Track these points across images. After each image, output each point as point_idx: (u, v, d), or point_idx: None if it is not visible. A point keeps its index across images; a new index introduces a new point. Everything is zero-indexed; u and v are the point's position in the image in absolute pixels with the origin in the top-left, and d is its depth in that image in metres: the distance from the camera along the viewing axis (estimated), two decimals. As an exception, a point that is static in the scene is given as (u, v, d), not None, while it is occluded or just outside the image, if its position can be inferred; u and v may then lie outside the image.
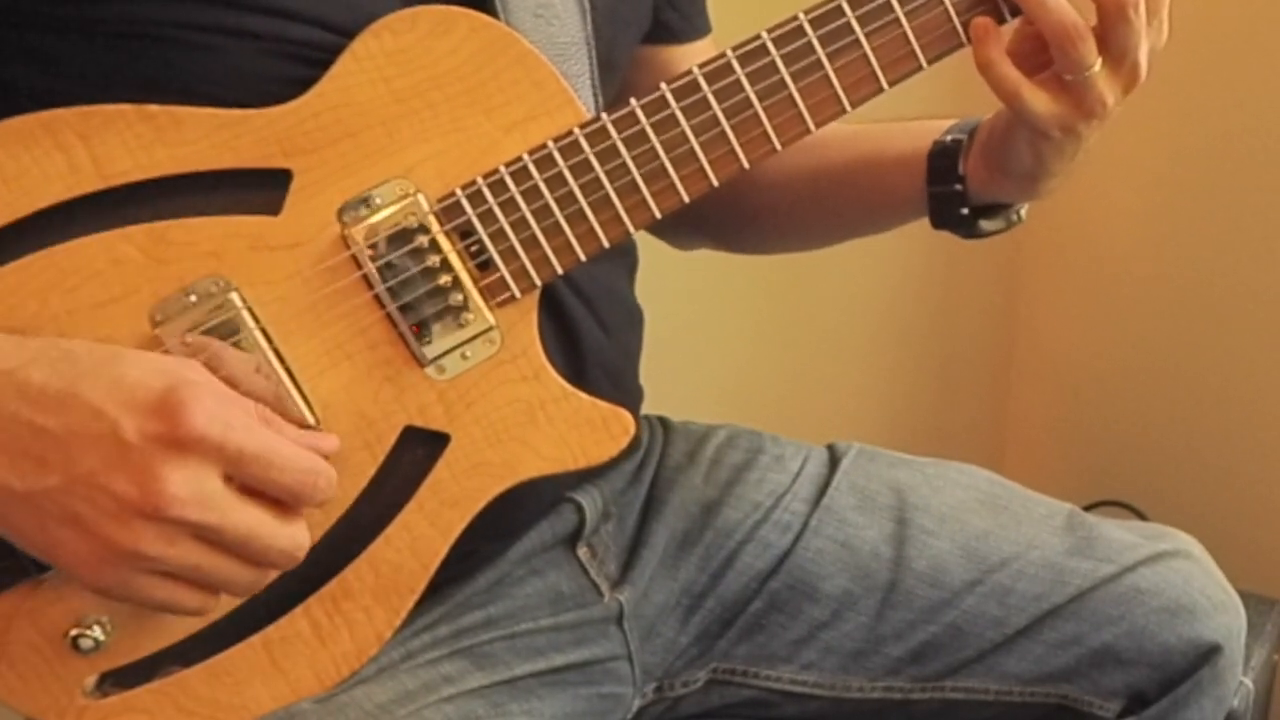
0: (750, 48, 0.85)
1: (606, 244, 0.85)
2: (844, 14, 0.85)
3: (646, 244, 1.08)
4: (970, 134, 0.99)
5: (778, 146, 0.86)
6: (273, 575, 0.77)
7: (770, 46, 0.85)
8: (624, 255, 1.04)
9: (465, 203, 0.83)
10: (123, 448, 0.70)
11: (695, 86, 0.84)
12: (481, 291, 0.84)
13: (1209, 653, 1.04)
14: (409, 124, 0.82)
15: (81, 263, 0.78)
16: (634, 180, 0.85)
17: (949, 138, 1.00)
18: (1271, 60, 1.77)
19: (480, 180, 0.83)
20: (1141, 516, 1.91)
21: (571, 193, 0.84)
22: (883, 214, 1.08)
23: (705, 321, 1.77)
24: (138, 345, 0.78)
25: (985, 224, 1.01)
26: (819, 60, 0.85)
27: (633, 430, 0.88)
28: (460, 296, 0.83)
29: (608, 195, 0.84)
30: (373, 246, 0.82)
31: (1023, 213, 1.02)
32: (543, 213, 0.84)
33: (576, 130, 0.84)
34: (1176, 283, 1.95)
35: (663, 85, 0.84)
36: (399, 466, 0.84)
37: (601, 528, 1.04)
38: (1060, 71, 0.87)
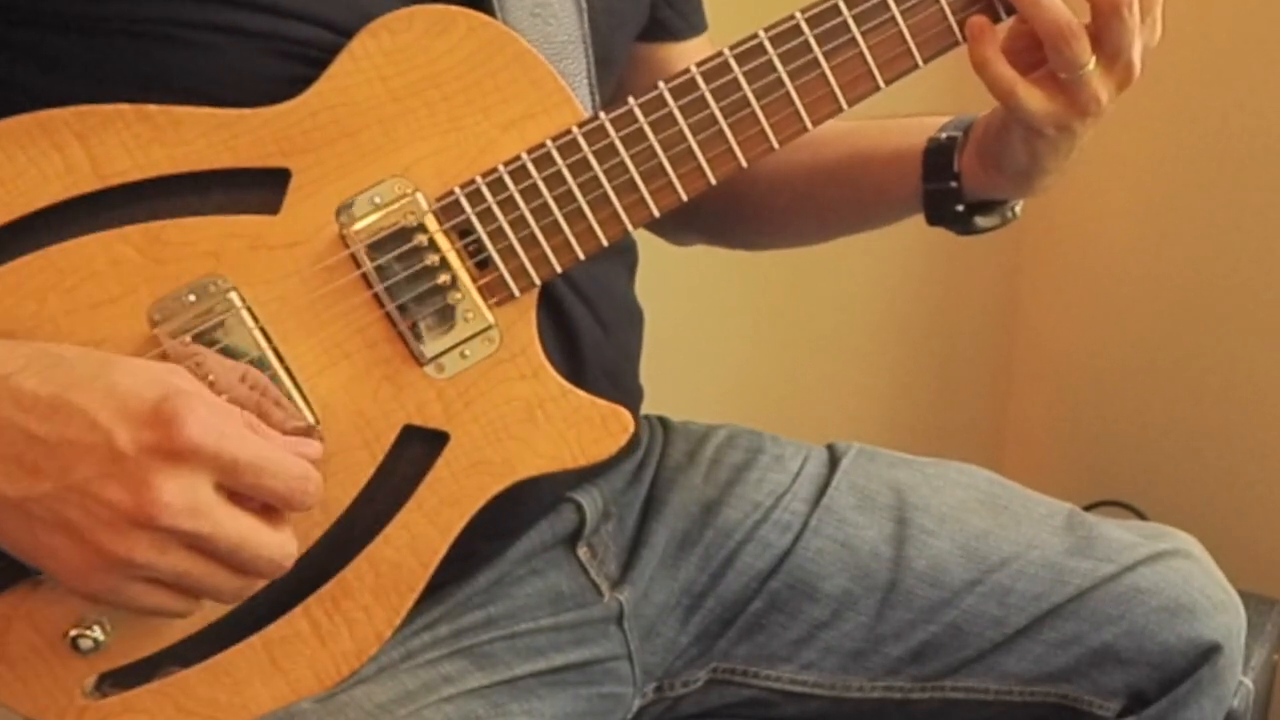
0: (747, 46, 0.85)
1: (605, 242, 0.85)
2: (840, 13, 0.85)
3: (646, 244, 1.08)
4: (965, 131, 0.99)
5: (775, 145, 0.86)
6: (260, 584, 0.77)
7: (767, 45, 0.85)
8: (624, 254, 1.04)
9: (464, 201, 0.83)
10: (117, 457, 0.70)
11: (693, 85, 0.85)
12: (480, 290, 0.84)
13: (1209, 652, 1.04)
14: (407, 123, 0.82)
15: (79, 263, 0.78)
16: (632, 179, 0.85)
17: (944, 135, 1.00)
18: (1268, 58, 1.77)
19: (479, 179, 0.83)
20: (1141, 516, 1.90)
21: (570, 191, 0.84)
22: (878, 210, 1.08)
23: (705, 321, 1.77)
24: (136, 345, 0.79)
25: (981, 220, 1.02)
26: (816, 59, 0.86)
27: (631, 428, 0.88)
28: (458, 295, 0.83)
29: (606, 194, 0.85)
30: (371, 246, 0.82)
31: (1018, 209, 1.03)
32: (541, 211, 0.84)
33: (575, 129, 0.84)
34: (1176, 282, 1.95)
35: (660, 84, 0.85)
36: (398, 465, 0.84)
37: (601, 527, 1.04)
38: (1055, 70, 0.87)
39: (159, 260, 0.79)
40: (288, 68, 0.81)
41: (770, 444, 1.12)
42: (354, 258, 0.82)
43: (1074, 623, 1.04)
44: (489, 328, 0.84)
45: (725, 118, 0.85)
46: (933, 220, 1.03)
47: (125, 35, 0.79)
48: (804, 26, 0.85)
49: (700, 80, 0.85)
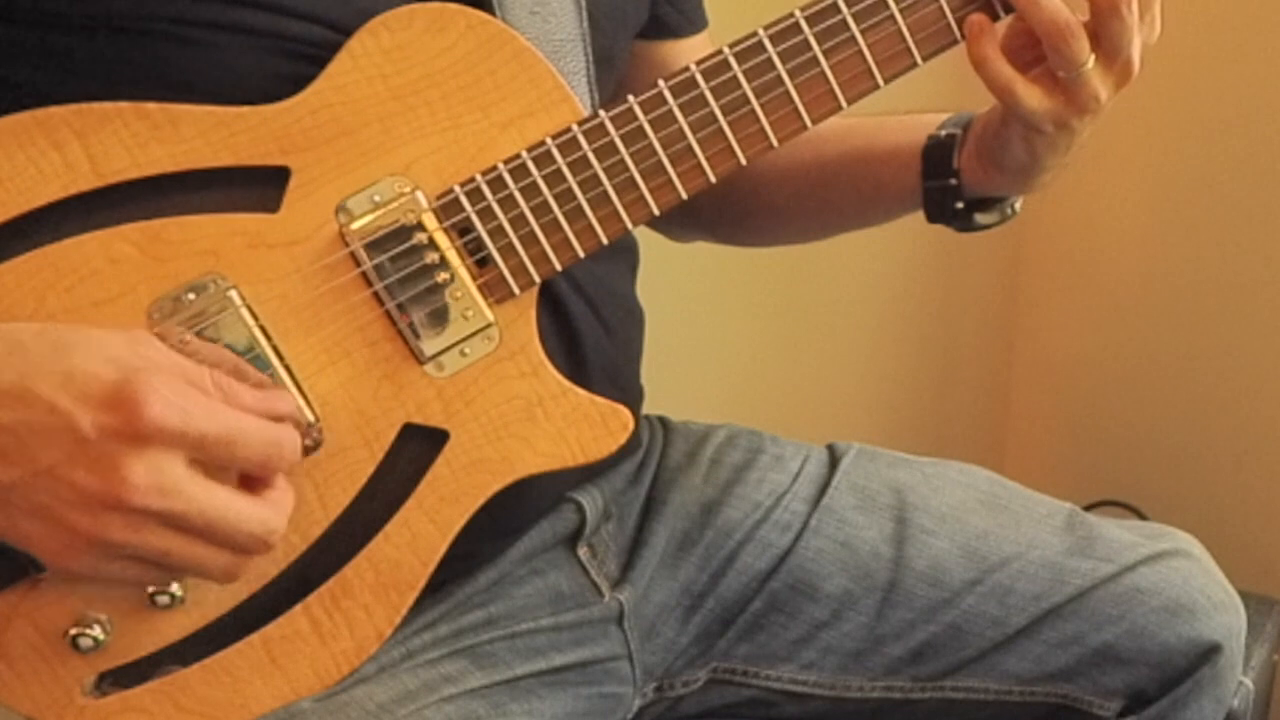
0: (747, 45, 0.85)
1: (605, 240, 0.85)
2: (840, 11, 0.85)
3: (647, 243, 1.08)
4: (965, 128, 1.00)
5: (775, 143, 0.86)
6: (251, 562, 0.77)
7: (767, 44, 0.85)
8: (625, 254, 1.04)
9: (463, 199, 0.83)
10: (80, 442, 0.70)
11: (693, 83, 0.85)
12: (480, 288, 0.84)
13: (1209, 652, 1.04)
14: (406, 121, 0.82)
15: (78, 261, 0.78)
16: (632, 177, 0.85)
17: (943, 132, 1.00)
18: (1268, 57, 1.77)
19: (478, 177, 0.83)
20: (1141, 516, 1.90)
21: (570, 189, 0.84)
22: (877, 207, 1.08)
23: (706, 321, 1.77)
24: None
25: (980, 217, 1.02)
26: (815, 57, 0.86)
27: (631, 426, 0.88)
28: (458, 293, 0.83)
29: (606, 192, 0.85)
30: (370, 244, 0.82)
31: (1017, 206, 1.03)
32: (541, 209, 0.84)
33: (575, 127, 0.84)
34: (1176, 282, 1.95)
35: (660, 82, 0.85)
36: (398, 463, 0.84)
37: (602, 528, 1.04)
38: (1053, 68, 0.87)
39: (158, 259, 0.79)
40: (287, 66, 0.81)
41: (770, 444, 1.12)
42: (353, 256, 0.82)
43: (1074, 623, 1.04)
44: (488, 326, 0.84)
45: (725, 116, 0.85)
46: (932, 218, 1.03)
47: (125, 33, 0.79)
48: (803, 25, 0.85)
49: (700, 78, 0.85)
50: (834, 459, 1.11)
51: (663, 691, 1.07)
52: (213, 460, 0.73)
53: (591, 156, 0.84)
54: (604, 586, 1.02)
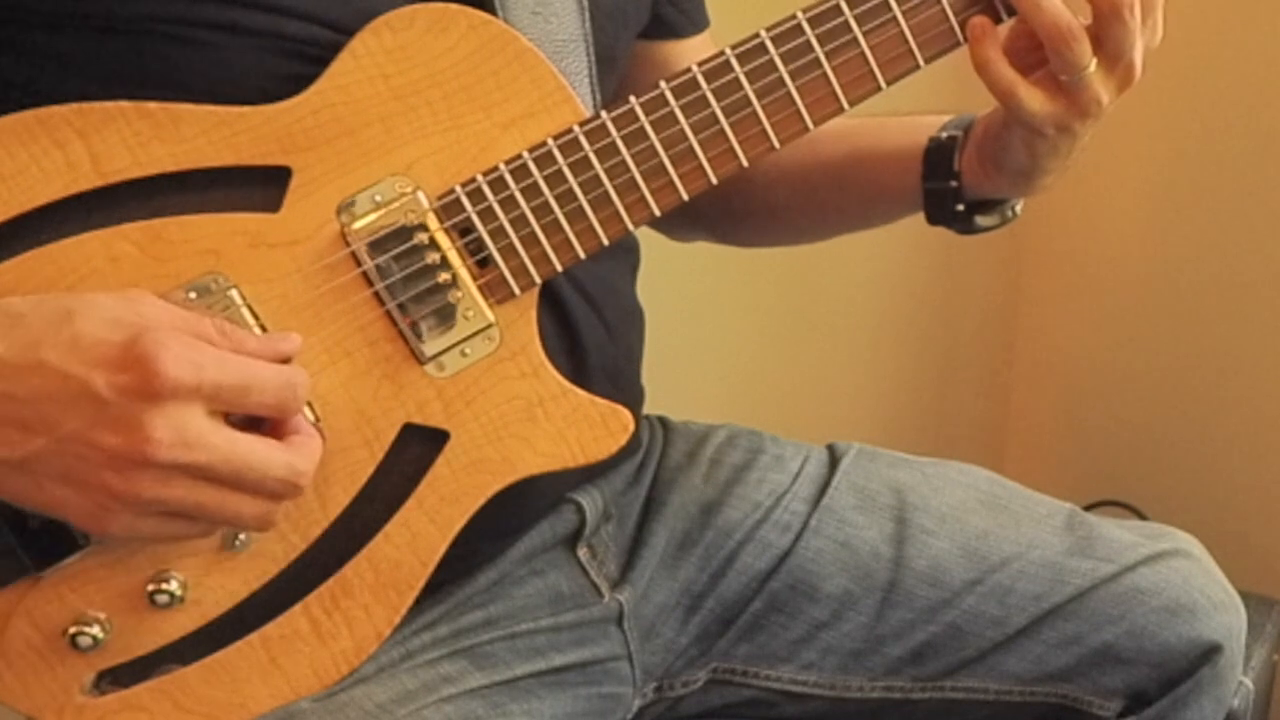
0: (749, 46, 0.85)
1: (606, 241, 0.85)
2: (842, 13, 0.85)
3: (647, 244, 1.08)
4: (966, 130, 0.99)
5: (776, 144, 0.86)
6: (281, 508, 0.77)
7: (769, 45, 0.85)
8: (627, 255, 1.04)
9: (465, 200, 0.83)
10: (99, 403, 0.70)
11: (694, 84, 0.85)
12: (480, 289, 0.84)
13: (1209, 652, 1.04)
14: (407, 121, 0.82)
15: (79, 260, 0.78)
16: (633, 178, 0.85)
17: (944, 134, 1.00)
18: (1268, 59, 1.77)
19: (479, 177, 0.83)
20: (1141, 516, 1.90)
21: (571, 190, 0.84)
22: (878, 208, 1.08)
23: (705, 322, 1.77)
24: None
25: (981, 219, 1.02)
26: (817, 59, 0.86)
27: (632, 427, 0.88)
28: (459, 294, 0.83)
29: (607, 193, 0.84)
30: (371, 244, 0.82)
31: (1018, 208, 1.03)
32: (542, 210, 0.84)
33: (576, 128, 0.84)
34: (1177, 282, 1.95)
35: (662, 83, 0.85)
36: (398, 463, 0.84)
37: (602, 528, 1.04)
38: (1055, 71, 0.87)
39: (159, 258, 0.79)
40: (289, 66, 0.81)
41: (770, 444, 1.12)
42: (354, 256, 0.82)
43: (1074, 623, 1.04)
44: (489, 326, 0.84)
45: (726, 117, 0.85)
46: (933, 219, 1.03)
47: (125, 34, 0.79)
48: (805, 26, 0.85)
49: (701, 79, 0.85)
50: (834, 459, 1.11)
51: (662, 692, 1.07)
52: (229, 408, 0.74)
53: (593, 157, 0.84)
54: (604, 587, 1.02)
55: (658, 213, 0.86)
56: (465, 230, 0.83)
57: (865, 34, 0.86)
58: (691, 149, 0.85)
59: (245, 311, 0.80)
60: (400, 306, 0.83)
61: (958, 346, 2.14)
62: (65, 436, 0.71)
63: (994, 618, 1.05)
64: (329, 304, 0.82)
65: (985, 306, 2.13)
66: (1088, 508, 1.16)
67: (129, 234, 0.79)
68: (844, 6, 0.85)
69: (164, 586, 0.80)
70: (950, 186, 1.00)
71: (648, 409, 1.09)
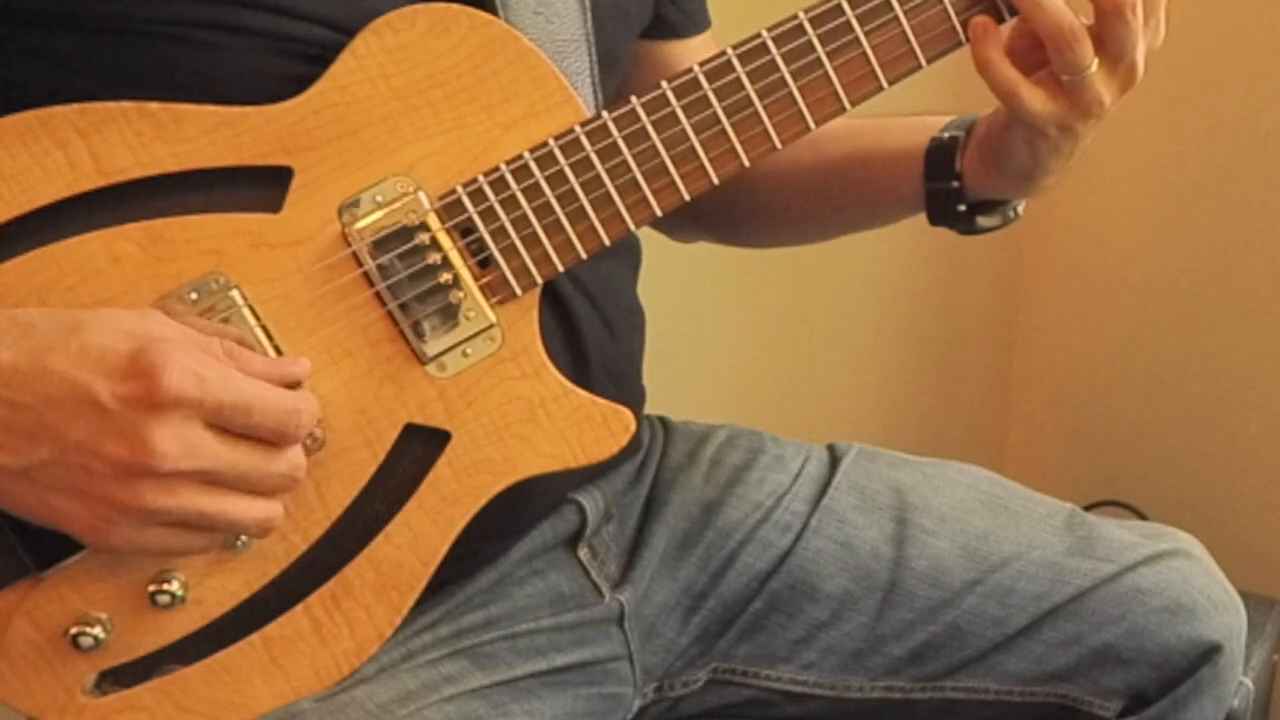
0: (750, 46, 0.85)
1: (607, 241, 0.85)
2: (843, 13, 0.85)
3: (648, 244, 1.08)
4: (967, 131, 0.99)
5: (778, 145, 0.86)
6: (281, 508, 0.77)
7: (770, 45, 0.85)
8: (628, 255, 1.04)
9: (466, 200, 0.83)
10: (103, 413, 0.71)
11: (696, 84, 0.85)
12: (482, 289, 0.84)
13: (1209, 652, 1.04)
14: (409, 121, 0.82)
15: (81, 260, 0.78)
16: (634, 178, 0.85)
17: (946, 134, 1.00)
18: (1269, 59, 1.77)
19: (481, 178, 0.83)
20: (1141, 516, 1.90)
21: (572, 190, 0.84)
22: (879, 209, 1.08)
23: (706, 322, 1.77)
24: None
25: (982, 220, 1.02)
26: (819, 59, 0.86)
27: (633, 428, 0.88)
28: (460, 294, 0.83)
29: (608, 193, 0.84)
30: (373, 244, 0.82)
31: (1020, 209, 1.03)
32: (543, 210, 0.84)
33: (577, 128, 0.84)
34: (1177, 283, 1.95)
35: (663, 83, 0.85)
36: (400, 464, 0.84)
37: (602, 528, 1.04)
38: (1057, 72, 0.87)
39: (161, 258, 0.79)
40: (290, 66, 0.81)
41: (771, 444, 1.12)
42: (356, 256, 0.82)
43: (1074, 623, 1.04)
44: (491, 327, 0.84)
45: (728, 117, 0.85)
46: (934, 220, 1.02)
47: (129, 34, 0.79)
48: (807, 26, 0.85)
49: (703, 79, 0.85)
50: (834, 459, 1.11)
51: (663, 692, 1.07)
52: (229, 426, 0.74)
53: (594, 157, 0.84)
54: (604, 587, 1.02)
55: (659, 213, 0.86)
56: (467, 230, 0.83)
57: (867, 34, 0.86)
58: (693, 149, 0.85)
59: (246, 312, 0.80)
60: (402, 307, 0.83)
61: (958, 346, 2.14)
62: (69, 446, 0.71)
63: (994, 618, 1.05)
64: (330, 304, 0.82)
65: (985, 306, 2.13)
66: (1088, 508, 1.16)
67: (131, 234, 0.79)
68: (846, 6, 0.85)
69: (165, 587, 0.80)
70: (952, 187, 0.99)
71: (648, 409, 1.09)
